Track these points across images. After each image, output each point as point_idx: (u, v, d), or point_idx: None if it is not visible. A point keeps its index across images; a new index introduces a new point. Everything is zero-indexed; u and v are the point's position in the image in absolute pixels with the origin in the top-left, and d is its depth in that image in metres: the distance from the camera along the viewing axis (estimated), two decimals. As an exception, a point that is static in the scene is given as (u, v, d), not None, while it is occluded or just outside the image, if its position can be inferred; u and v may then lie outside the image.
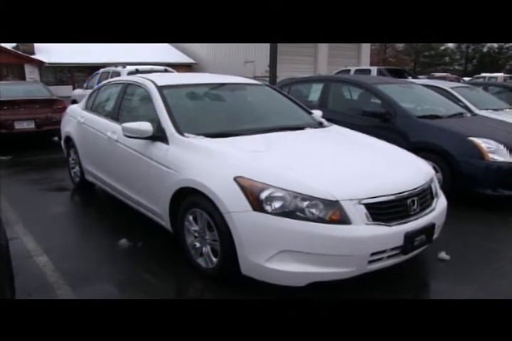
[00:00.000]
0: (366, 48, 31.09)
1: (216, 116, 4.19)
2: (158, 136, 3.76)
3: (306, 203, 2.83)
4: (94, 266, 3.66)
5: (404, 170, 3.44)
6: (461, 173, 5.19)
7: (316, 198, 2.84)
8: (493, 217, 5.04)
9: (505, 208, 5.34)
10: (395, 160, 3.64)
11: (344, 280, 2.97)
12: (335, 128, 4.43)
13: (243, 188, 2.93)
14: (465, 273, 3.62)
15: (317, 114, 4.76)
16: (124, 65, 11.72)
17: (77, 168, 5.74)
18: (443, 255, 3.85)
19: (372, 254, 2.92)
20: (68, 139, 5.87)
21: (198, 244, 3.40)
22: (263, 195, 2.86)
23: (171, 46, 33.49)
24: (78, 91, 13.43)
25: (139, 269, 3.60)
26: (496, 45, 51.53)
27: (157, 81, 4.32)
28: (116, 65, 12.42)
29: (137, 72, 10.23)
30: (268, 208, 2.85)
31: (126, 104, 4.69)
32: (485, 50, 52.73)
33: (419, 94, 6.83)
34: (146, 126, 3.76)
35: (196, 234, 3.40)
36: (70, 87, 25.26)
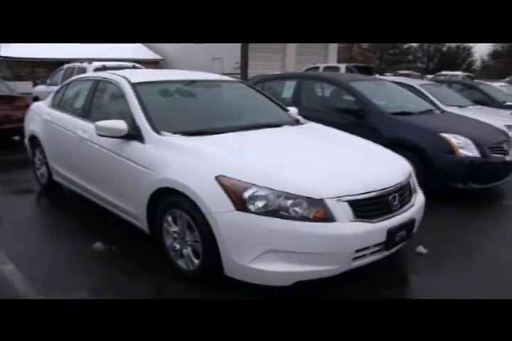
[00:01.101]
0: (333, 46, 31.39)
1: (192, 113, 4.10)
2: (133, 134, 3.64)
3: (290, 202, 2.80)
4: (66, 273, 3.49)
5: (384, 167, 3.46)
6: (434, 168, 5.28)
7: (300, 196, 2.81)
8: (465, 209, 5.17)
9: (475, 201, 5.47)
10: (375, 157, 3.65)
11: (326, 278, 2.96)
12: (312, 125, 4.41)
13: (225, 188, 2.87)
14: (443, 265, 3.68)
15: (293, 111, 4.73)
16: (90, 60, 11.44)
17: (43, 169, 5.52)
18: (420, 249, 3.90)
19: (357, 251, 2.91)
20: (33, 138, 5.61)
21: (177, 246, 3.32)
22: (246, 194, 2.81)
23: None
24: (41, 88, 13.02)
25: (115, 273, 3.47)
26: (454, 45, 52.98)
27: (130, 77, 4.20)
28: (81, 60, 12.11)
29: (104, 68, 9.99)
30: (251, 207, 2.80)
31: (97, 101, 4.55)
32: (445, 49, 54.10)
33: (390, 91, 6.91)
34: (120, 125, 3.64)
35: (176, 236, 3.32)
36: (29, 83, 24.26)
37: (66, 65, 12.00)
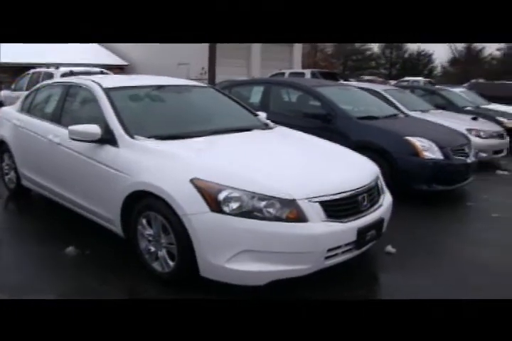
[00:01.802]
0: (298, 51, 31.71)
1: (165, 118, 4.15)
2: (107, 138, 3.67)
3: (263, 203, 2.88)
4: (36, 279, 3.44)
5: (353, 169, 3.59)
6: (399, 170, 5.46)
7: (273, 198, 2.89)
8: (430, 210, 5.36)
9: (440, 202, 5.68)
10: (343, 160, 3.78)
11: (298, 278, 3.04)
12: (281, 129, 4.52)
13: (200, 190, 2.94)
14: (411, 264, 3.82)
15: (262, 115, 4.82)
16: (57, 65, 11.31)
17: (12, 174, 5.45)
18: (389, 248, 4.04)
19: (329, 250, 3.01)
20: (1, 143, 5.56)
21: (152, 248, 3.35)
22: (221, 196, 2.88)
23: (101, 47, 32.57)
24: (5, 93, 12.84)
25: (89, 278, 3.46)
26: (415, 51, 54.46)
27: (103, 83, 4.23)
28: (47, 65, 11.95)
29: (72, 73, 9.91)
30: (226, 209, 2.87)
31: (68, 106, 4.54)
32: (406, 55, 55.44)
33: (356, 97, 7.11)
34: (94, 129, 3.66)
35: (150, 238, 3.35)
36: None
37: (32, 70, 11.85)
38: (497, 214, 5.26)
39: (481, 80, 22.64)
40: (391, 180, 5.40)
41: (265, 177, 3.05)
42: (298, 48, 31.66)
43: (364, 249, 3.36)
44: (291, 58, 31.21)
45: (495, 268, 3.75)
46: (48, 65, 11.79)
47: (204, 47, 23.53)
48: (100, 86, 4.15)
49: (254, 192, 2.89)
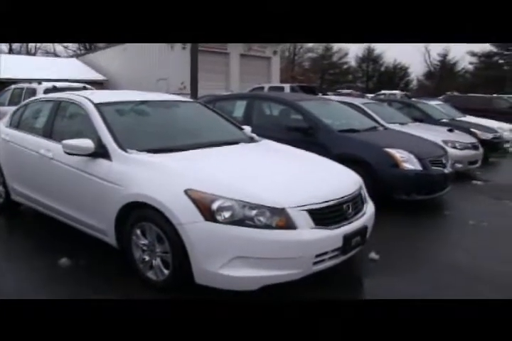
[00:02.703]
0: (276, 65, 32.14)
1: (155, 132, 4.30)
2: (100, 152, 3.79)
3: (254, 212, 3.04)
4: (29, 291, 3.49)
5: (338, 179, 3.78)
6: (379, 181, 5.66)
7: (264, 207, 3.06)
8: (410, 219, 5.58)
9: (419, 211, 5.91)
10: (328, 170, 3.98)
11: (290, 283, 3.18)
12: (266, 142, 4.69)
13: (194, 200, 3.08)
14: (394, 269, 4.02)
15: (247, 129, 4.99)
16: (39, 81, 11.35)
17: (0, 188, 5.52)
18: (373, 255, 4.22)
19: (317, 256, 3.18)
20: None
21: (147, 258, 3.47)
22: (214, 206, 3.03)
23: (79, 62, 32.57)
24: (-15, 108, 12.81)
25: (83, 288, 3.54)
26: (391, 64, 55.54)
27: (93, 98, 4.36)
28: (29, 81, 11.98)
29: (54, 89, 9.98)
30: (219, 218, 3.02)
31: (59, 121, 4.65)
32: (382, 69, 56.53)
33: (336, 110, 7.35)
34: (87, 143, 3.79)
35: (145, 248, 3.47)
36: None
37: (13, 86, 11.86)
38: (473, 222, 5.49)
39: (455, 93, 23.26)
40: (372, 190, 5.61)
41: (255, 187, 3.22)
42: (276, 62, 32.11)
43: (350, 254, 3.52)
44: (269, 72, 31.61)
45: (470, 272, 3.98)
46: (29, 81, 11.81)
47: (182, 62, 23.75)
48: (91, 101, 4.28)
49: (245, 202, 3.05)
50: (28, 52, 47.30)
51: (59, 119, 4.67)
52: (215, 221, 3.02)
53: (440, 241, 4.90)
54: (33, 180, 4.74)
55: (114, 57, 30.16)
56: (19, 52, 45.76)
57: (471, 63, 49.73)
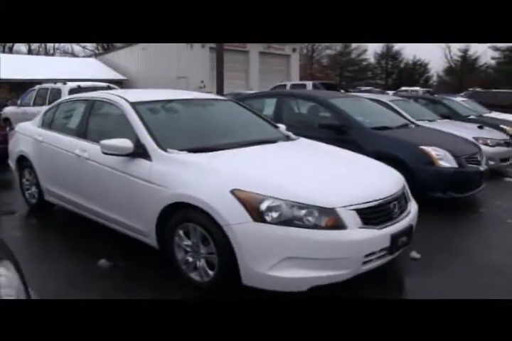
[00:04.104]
0: (295, 63, 32.05)
1: (193, 131, 4.27)
2: (139, 152, 3.76)
3: (303, 211, 2.99)
4: (73, 291, 3.48)
5: (383, 177, 3.71)
6: (415, 179, 5.54)
7: (313, 206, 3.00)
8: (447, 217, 5.48)
9: (454, 209, 5.81)
10: (371, 169, 3.91)
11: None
12: (303, 140, 4.63)
13: (241, 200, 3.04)
14: (436, 268, 3.95)
15: (282, 127, 4.94)
16: (64, 81, 11.43)
17: (33, 189, 5.51)
18: (414, 254, 4.15)
19: (366, 256, 3.12)
20: (22, 159, 5.62)
21: (190, 259, 3.43)
22: (263, 206, 2.99)
23: (98, 62, 32.84)
24: (11, 109, 12.96)
25: (125, 289, 3.53)
26: (410, 61, 54.91)
27: (128, 97, 4.33)
28: (54, 81, 12.07)
29: (79, 88, 10.04)
30: (267, 218, 2.97)
31: (94, 121, 4.64)
32: (402, 65, 55.92)
33: (366, 107, 7.25)
34: (126, 143, 3.76)
35: (188, 249, 3.43)
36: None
37: (37, 86, 11.97)
38: (511, 220, 5.37)
39: (477, 89, 22.91)
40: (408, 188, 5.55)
41: (303, 187, 3.17)
42: (295, 59, 32.04)
43: (396, 254, 3.46)
44: (289, 70, 31.57)
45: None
46: (54, 81, 11.90)
47: (201, 60, 23.81)
48: (127, 100, 4.26)
49: (294, 202, 3.00)
50: (47, 53, 47.82)
51: (93, 119, 4.65)
52: (264, 221, 2.97)
53: (479, 240, 4.82)
54: (68, 181, 4.73)
55: (133, 56, 30.36)
56: (38, 53, 46.31)
57: (493, 58, 48.99)
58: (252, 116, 5.00)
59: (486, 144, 7.93)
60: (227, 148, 3.85)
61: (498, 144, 8.16)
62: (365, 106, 7.28)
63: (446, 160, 5.65)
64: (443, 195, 5.65)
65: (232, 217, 3.03)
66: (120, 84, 30.32)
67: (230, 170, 3.37)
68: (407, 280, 3.85)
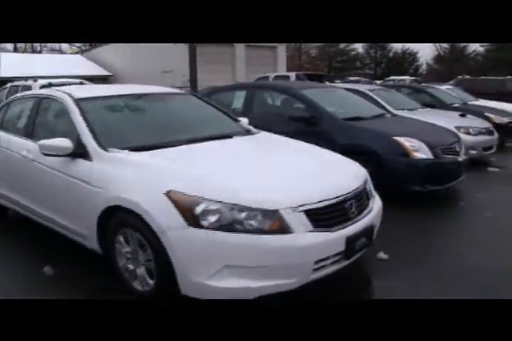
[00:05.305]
0: (282, 55, 31.67)
1: (140, 128, 3.95)
2: (80, 152, 3.48)
3: (243, 214, 2.70)
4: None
5: (340, 173, 3.41)
6: (389, 171, 5.30)
7: (254, 209, 2.71)
8: (422, 212, 5.21)
9: (431, 203, 5.53)
10: (329, 164, 3.61)
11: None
12: (263, 134, 4.34)
13: (176, 203, 2.75)
14: (404, 270, 3.67)
15: (244, 121, 4.65)
16: (35, 78, 11.08)
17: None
18: (381, 255, 3.88)
19: (316, 262, 2.83)
20: None
21: (131, 267, 3.16)
22: (198, 210, 2.70)
23: (83, 58, 32.44)
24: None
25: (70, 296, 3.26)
26: (400, 50, 54.53)
27: (74, 93, 4.03)
28: (25, 78, 11.72)
29: (50, 85, 9.66)
30: (204, 223, 2.68)
31: (41, 119, 4.33)
32: (391, 55, 55.49)
33: (341, 98, 6.95)
34: (65, 143, 3.47)
35: (129, 256, 3.16)
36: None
37: (9, 84, 11.61)
38: (490, 214, 5.12)
39: (466, 76, 22.62)
40: (382, 181, 5.25)
41: (245, 187, 2.86)
42: (282, 51, 31.64)
43: (354, 258, 3.17)
44: (276, 62, 31.17)
45: (492, 270, 3.62)
46: (25, 78, 11.56)
47: (185, 54, 23.44)
48: (71, 97, 3.96)
49: (233, 204, 2.71)
50: (34, 50, 47.19)
51: (40, 117, 4.34)
52: (200, 226, 2.68)
53: (454, 237, 4.51)
54: (17, 184, 4.43)
55: (118, 52, 30.01)
56: (24, 50, 45.70)
57: (482, 45, 48.58)
58: (211, 109, 4.70)
59: (468, 133, 7.69)
60: (175, 145, 3.55)
61: (481, 133, 7.91)
62: (339, 96, 6.98)
63: (421, 152, 5.37)
64: (421, 188, 5.38)
65: (167, 221, 2.74)
66: (106, 80, 29.99)
67: (169, 169, 3.08)
68: (371, 285, 3.58)
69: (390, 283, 3.43)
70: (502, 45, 40.95)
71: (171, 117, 4.34)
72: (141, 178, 3.02)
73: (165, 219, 2.75)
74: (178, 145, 3.56)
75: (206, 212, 2.69)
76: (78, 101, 3.88)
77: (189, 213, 2.70)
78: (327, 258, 2.89)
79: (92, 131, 3.57)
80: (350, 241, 2.98)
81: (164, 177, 2.97)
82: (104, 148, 3.41)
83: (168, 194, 2.79)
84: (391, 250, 3.95)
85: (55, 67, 27.18)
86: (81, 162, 3.47)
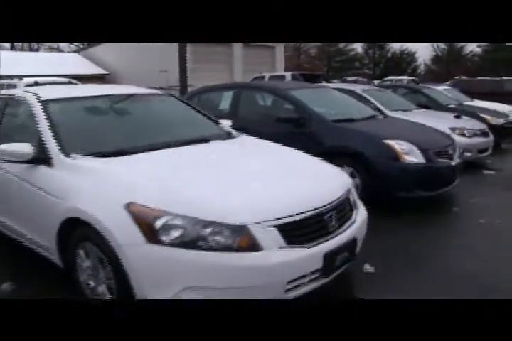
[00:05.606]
0: (280, 54, 31.39)
1: (110, 132, 3.68)
2: (41, 158, 3.22)
3: (208, 230, 2.45)
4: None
5: (320, 183, 3.14)
6: (378, 176, 5.06)
7: (220, 224, 2.46)
8: (413, 218, 4.96)
9: (423, 208, 5.27)
10: (309, 172, 3.34)
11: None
12: (244, 138, 4.08)
13: (135, 216, 2.50)
14: (390, 284, 3.43)
15: (226, 123, 4.39)
16: (21, 76, 10.80)
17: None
18: (367, 267, 3.64)
19: (290, 282, 2.58)
20: None
21: (92, 283, 2.91)
22: (158, 224, 2.44)
23: (80, 57, 32.15)
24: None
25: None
26: (398, 50, 54.24)
27: (40, 94, 3.77)
28: (11, 77, 11.45)
29: (36, 84, 9.42)
30: (165, 239, 2.43)
31: (6, 122, 4.06)
32: (389, 55, 55.19)
33: (332, 98, 6.70)
34: (25, 148, 3.21)
35: (90, 272, 2.91)
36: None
37: (-5, 82, 11.34)
38: (484, 220, 4.87)
39: (463, 77, 22.41)
40: (371, 186, 5.03)
41: (211, 199, 2.61)
42: (280, 51, 31.37)
43: (334, 275, 2.91)
44: (274, 61, 30.89)
45: (484, 282, 3.40)
46: (11, 77, 11.29)
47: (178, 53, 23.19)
48: (37, 97, 3.70)
49: (196, 218, 2.45)
50: (31, 49, 46.86)
51: (6, 120, 4.07)
52: (160, 243, 2.43)
53: (446, 247, 4.23)
54: None
55: (115, 50, 29.70)
56: (22, 49, 45.38)
57: (479, 46, 48.26)
58: (190, 112, 4.43)
59: (463, 135, 7.47)
60: (145, 151, 3.30)
61: (476, 134, 7.69)
62: (330, 97, 6.72)
63: (412, 155, 5.12)
64: (410, 193, 5.12)
65: (125, 236, 2.50)
66: (102, 79, 29.70)
67: (131, 178, 2.82)
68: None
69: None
70: (499, 45, 40.88)
71: (145, 120, 4.06)
72: (101, 188, 2.77)
73: (122, 234, 2.50)
74: (149, 151, 3.30)
75: (168, 227, 2.44)
76: (44, 103, 3.63)
77: (148, 228, 2.45)
78: (303, 276, 2.64)
79: (55, 134, 3.32)
80: (329, 257, 2.72)
81: (126, 187, 2.72)
82: (67, 154, 3.16)
83: (128, 206, 2.54)
84: (378, 262, 3.70)
85: (52, 65, 26.91)
86: (43, 169, 3.22)
